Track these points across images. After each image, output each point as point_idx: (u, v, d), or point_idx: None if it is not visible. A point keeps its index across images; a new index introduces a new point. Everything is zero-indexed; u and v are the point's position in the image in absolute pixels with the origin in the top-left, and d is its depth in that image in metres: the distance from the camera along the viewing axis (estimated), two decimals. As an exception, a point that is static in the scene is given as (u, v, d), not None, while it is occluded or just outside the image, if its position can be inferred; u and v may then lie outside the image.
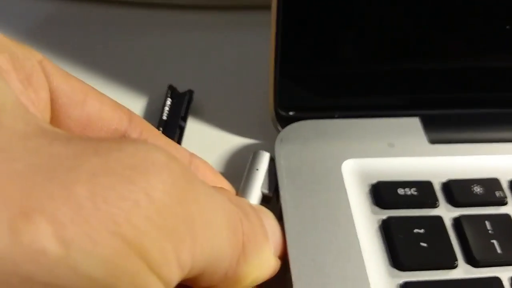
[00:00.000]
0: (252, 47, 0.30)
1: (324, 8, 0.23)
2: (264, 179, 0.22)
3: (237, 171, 0.24)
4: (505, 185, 0.22)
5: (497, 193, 0.22)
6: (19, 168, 0.11)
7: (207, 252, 0.14)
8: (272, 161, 0.23)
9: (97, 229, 0.11)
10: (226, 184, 0.21)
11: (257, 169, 0.22)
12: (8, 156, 0.11)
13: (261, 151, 0.23)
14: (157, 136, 0.19)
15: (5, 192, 0.10)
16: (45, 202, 0.10)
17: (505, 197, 0.22)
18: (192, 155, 0.20)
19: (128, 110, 0.19)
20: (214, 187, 0.16)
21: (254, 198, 0.21)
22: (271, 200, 0.22)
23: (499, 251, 0.20)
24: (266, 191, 0.22)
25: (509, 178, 0.23)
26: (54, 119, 0.16)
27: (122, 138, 0.15)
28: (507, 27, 0.24)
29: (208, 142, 0.26)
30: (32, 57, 0.15)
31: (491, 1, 0.23)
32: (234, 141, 0.26)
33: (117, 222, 0.11)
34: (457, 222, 0.21)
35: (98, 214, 0.11)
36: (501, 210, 0.22)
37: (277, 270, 0.18)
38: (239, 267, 0.16)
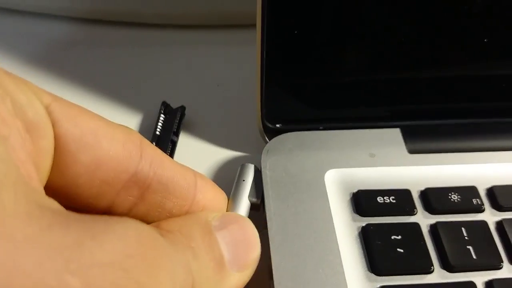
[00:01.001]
0: (241, 64, 0.31)
1: (304, 26, 0.24)
2: (251, 189, 0.23)
3: (227, 182, 0.26)
4: (482, 193, 0.23)
5: (474, 201, 0.23)
6: (20, 260, 0.11)
7: None
8: (258, 171, 0.24)
9: None
10: (223, 202, 0.21)
11: (244, 180, 0.24)
12: (9, 247, 0.11)
13: (247, 164, 0.24)
14: (165, 164, 0.18)
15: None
16: None
17: (482, 204, 0.23)
18: (196, 175, 0.20)
19: (139, 137, 0.18)
20: (170, 243, 0.16)
21: (243, 207, 0.22)
22: (260, 207, 0.23)
23: (474, 256, 0.21)
24: (254, 200, 0.23)
25: (486, 186, 0.23)
26: (61, 165, 0.16)
27: (113, 218, 0.14)
28: (485, 40, 0.25)
29: (200, 155, 0.28)
30: (37, 103, 0.15)
31: (468, 14, 0.24)
32: (224, 154, 0.28)
33: None
34: (434, 229, 0.22)
35: None
36: (478, 217, 0.23)
37: (243, 283, 0.19)
38: None
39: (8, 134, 0.13)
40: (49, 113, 0.15)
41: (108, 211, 0.18)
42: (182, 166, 0.20)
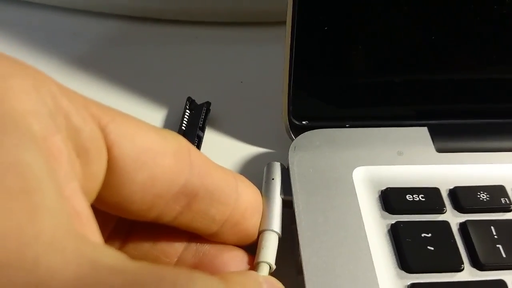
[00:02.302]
0: (267, 61, 0.31)
1: (334, 24, 0.24)
2: (282, 186, 0.23)
3: (252, 178, 0.26)
4: (510, 192, 0.23)
5: (503, 200, 0.23)
6: None
7: None
8: (284, 169, 0.24)
9: None
10: (260, 203, 0.21)
11: (273, 179, 0.24)
12: None
13: (273, 162, 0.24)
14: (211, 172, 0.18)
15: None
16: None
17: (510, 203, 0.23)
18: (236, 178, 0.20)
19: (187, 146, 0.18)
20: None
21: (277, 205, 0.22)
22: (292, 204, 0.23)
23: (504, 255, 0.21)
24: (286, 197, 0.23)
25: (514, 185, 0.24)
26: (117, 184, 0.15)
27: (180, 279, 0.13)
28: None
29: (225, 151, 0.28)
30: (92, 125, 0.14)
31: (496, 14, 0.24)
32: (248, 150, 0.28)
33: None
34: (463, 227, 0.22)
35: None
36: (507, 216, 0.23)
37: None
38: None
39: (59, 166, 0.13)
40: (106, 134, 0.15)
41: (155, 220, 0.18)
42: (225, 170, 0.19)
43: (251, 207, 0.20)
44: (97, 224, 0.14)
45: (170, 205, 0.17)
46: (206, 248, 0.20)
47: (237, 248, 0.21)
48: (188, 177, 0.17)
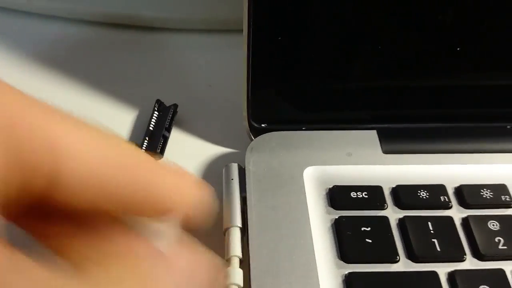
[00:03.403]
0: (231, 66, 0.33)
1: (288, 31, 0.26)
2: (240, 185, 0.25)
3: (217, 177, 0.27)
4: (450, 191, 0.25)
5: (442, 198, 0.24)
6: None
7: None
8: (241, 169, 0.26)
9: None
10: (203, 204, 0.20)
11: (232, 179, 0.25)
12: None
13: (231, 164, 0.26)
14: (145, 172, 0.17)
15: None
16: None
17: (450, 201, 0.24)
18: (182, 178, 0.19)
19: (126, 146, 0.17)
20: None
21: (236, 202, 0.24)
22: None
23: (438, 248, 0.23)
24: (245, 194, 0.25)
25: (455, 185, 0.25)
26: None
27: None
28: (457, 48, 0.27)
29: (190, 150, 0.29)
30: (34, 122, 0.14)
31: (444, 22, 0.26)
32: (213, 150, 0.29)
33: None
34: (402, 222, 0.23)
35: None
36: (445, 213, 0.24)
37: None
38: None
39: None
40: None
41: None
42: (164, 169, 0.18)
43: (195, 205, 0.19)
44: None
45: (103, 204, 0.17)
46: None
47: None
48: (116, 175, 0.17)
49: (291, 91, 0.28)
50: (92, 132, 0.16)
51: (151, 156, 0.19)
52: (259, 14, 0.25)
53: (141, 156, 0.18)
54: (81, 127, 0.16)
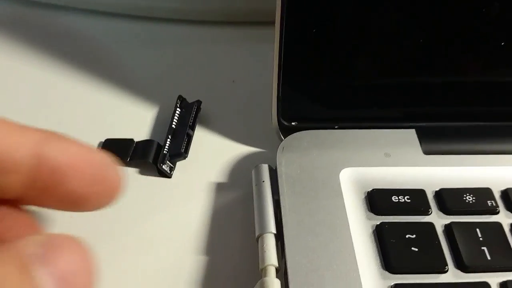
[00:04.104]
0: (260, 60, 0.31)
1: (324, 25, 0.24)
2: (272, 188, 0.24)
3: (242, 178, 0.26)
4: (497, 195, 0.23)
5: (489, 202, 0.23)
6: None
7: None
8: (272, 170, 0.24)
9: None
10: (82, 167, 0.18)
11: (263, 181, 0.24)
12: None
13: (260, 164, 0.25)
14: None
15: None
16: None
17: (497, 206, 0.23)
18: (42, 139, 0.17)
19: None
20: None
21: (269, 206, 0.23)
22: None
23: (489, 257, 0.21)
24: (278, 197, 0.23)
25: (501, 188, 0.24)
26: None
27: None
28: (502, 43, 0.25)
29: (215, 150, 0.28)
30: None
31: (485, 17, 0.24)
32: (240, 150, 0.28)
33: None
34: (448, 229, 0.22)
35: None
36: (493, 218, 0.23)
37: None
38: None
39: None
40: None
41: None
42: (19, 134, 0.17)
43: (65, 168, 0.17)
44: None
45: None
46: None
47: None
48: None
49: (324, 87, 0.26)
50: None
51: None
52: (293, 4, 0.23)
53: None
54: None
